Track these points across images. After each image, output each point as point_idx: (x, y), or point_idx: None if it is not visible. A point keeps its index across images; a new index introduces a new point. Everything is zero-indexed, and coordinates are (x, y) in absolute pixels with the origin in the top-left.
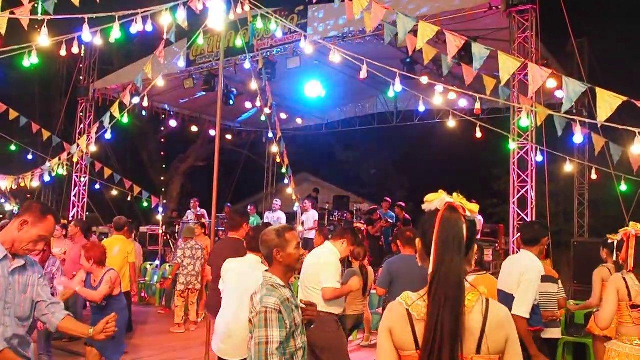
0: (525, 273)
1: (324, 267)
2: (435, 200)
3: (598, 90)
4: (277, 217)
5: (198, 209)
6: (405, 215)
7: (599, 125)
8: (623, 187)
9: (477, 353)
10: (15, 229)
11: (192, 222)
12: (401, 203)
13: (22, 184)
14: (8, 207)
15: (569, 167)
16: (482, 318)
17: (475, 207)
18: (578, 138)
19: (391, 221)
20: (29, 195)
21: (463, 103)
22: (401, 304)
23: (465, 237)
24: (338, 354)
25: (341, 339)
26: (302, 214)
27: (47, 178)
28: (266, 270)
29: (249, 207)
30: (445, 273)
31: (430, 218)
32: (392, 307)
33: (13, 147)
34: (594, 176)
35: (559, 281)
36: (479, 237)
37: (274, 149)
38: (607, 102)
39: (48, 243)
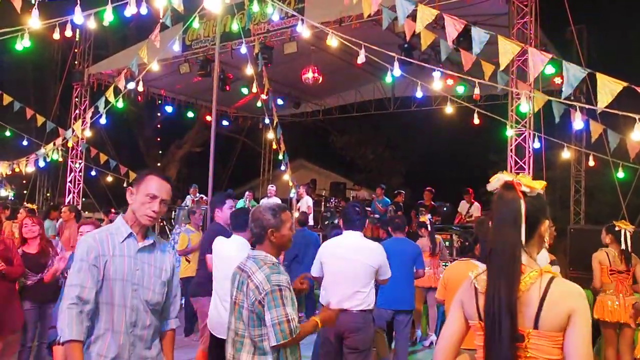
0: None
1: None
2: (494, 180)
3: (599, 75)
4: None
5: (197, 194)
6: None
7: (598, 112)
8: (620, 174)
9: (534, 328)
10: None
11: (187, 208)
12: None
13: (17, 170)
14: (3, 192)
15: (566, 154)
16: (540, 294)
17: (537, 183)
18: (578, 124)
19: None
20: (24, 181)
21: (461, 89)
22: (470, 277)
23: (525, 212)
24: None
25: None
26: (297, 201)
27: (41, 163)
28: (255, 249)
29: (246, 194)
30: (501, 248)
31: (493, 198)
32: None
33: (7, 133)
34: (591, 163)
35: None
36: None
37: (271, 135)
38: (608, 88)
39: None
